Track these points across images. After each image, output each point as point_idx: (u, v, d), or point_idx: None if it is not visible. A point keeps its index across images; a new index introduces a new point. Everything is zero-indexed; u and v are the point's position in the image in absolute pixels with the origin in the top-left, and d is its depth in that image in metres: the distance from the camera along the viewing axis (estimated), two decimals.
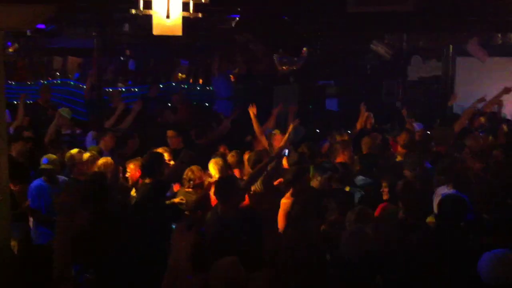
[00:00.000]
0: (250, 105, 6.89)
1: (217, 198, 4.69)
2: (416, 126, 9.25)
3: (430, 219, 4.91)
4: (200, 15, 4.79)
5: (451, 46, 9.82)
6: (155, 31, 4.30)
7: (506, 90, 8.65)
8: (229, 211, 4.54)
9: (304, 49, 8.79)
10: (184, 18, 4.60)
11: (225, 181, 4.89)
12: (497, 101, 8.81)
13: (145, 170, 5.29)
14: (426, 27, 7.97)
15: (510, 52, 9.60)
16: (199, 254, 3.49)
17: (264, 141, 6.82)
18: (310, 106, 10.14)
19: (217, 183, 4.83)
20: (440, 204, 4.52)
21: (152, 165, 5.21)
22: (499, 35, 8.47)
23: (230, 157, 6.08)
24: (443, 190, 5.29)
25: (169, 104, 10.07)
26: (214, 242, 4.28)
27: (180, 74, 12.25)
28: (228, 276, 3.25)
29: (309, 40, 8.28)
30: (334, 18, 6.83)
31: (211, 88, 11.26)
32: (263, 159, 5.47)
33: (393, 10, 6.41)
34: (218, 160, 5.74)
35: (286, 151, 6.42)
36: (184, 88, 11.34)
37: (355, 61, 11.56)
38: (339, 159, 6.35)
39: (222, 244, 4.22)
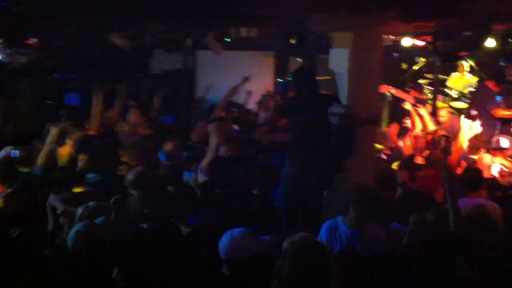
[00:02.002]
0: None
1: None
2: (168, 118, 9.35)
3: None
4: None
5: (189, 39, 9.98)
6: None
7: (245, 79, 9.25)
8: None
9: (33, 39, 8.03)
10: None
11: None
12: (237, 90, 9.36)
13: None
14: (161, 19, 7.88)
15: (244, 46, 10.11)
16: None
17: None
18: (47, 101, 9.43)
19: None
20: None
21: None
22: (233, 29, 8.79)
23: None
24: None
25: None
26: None
27: None
28: None
29: (36, 29, 7.56)
30: (62, 7, 6.28)
31: None
32: None
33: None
34: None
35: (16, 152, 5.97)
36: None
37: (99, 53, 11.07)
38: None
39: None
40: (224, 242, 3.90)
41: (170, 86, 10.65)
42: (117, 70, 10.70)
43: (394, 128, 8.80)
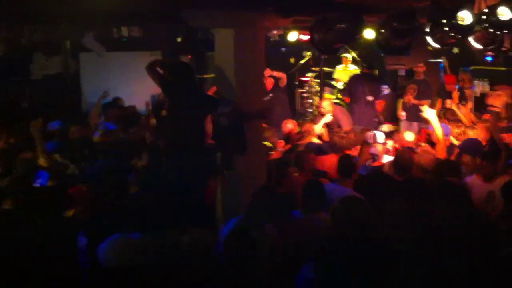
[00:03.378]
0: None
1: None
2: (55, 124, 8.93)
3: None
4: None
5: (68, 42, 9.54)
6: None
7: (104, 95, 8.89)
8: None
9: None
10: None
11: None
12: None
13: None
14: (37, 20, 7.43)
15: (127, 47, 9.84)
16: None
17: None
18: None
19: None
20: None
21: None
22: (115, 29, 8.48)
23: None
24: None
25: None
26: None
27: None
28: None
29: None
30: None
31: None
32: None
33: None
34: None
35: None
36: None
37: None
38: None
39: None
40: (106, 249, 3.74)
41: (52, 91, 10.10)
42: None
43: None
